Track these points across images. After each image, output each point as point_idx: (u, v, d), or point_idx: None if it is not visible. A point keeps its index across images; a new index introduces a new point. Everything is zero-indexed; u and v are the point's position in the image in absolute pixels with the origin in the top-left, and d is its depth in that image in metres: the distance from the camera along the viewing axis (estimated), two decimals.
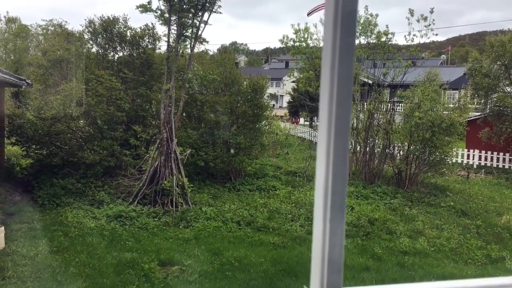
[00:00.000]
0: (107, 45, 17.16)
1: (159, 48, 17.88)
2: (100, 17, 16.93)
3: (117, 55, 17.48)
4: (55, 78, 15.89)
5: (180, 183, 13.49)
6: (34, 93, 16.30)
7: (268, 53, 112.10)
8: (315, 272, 0.56)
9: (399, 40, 69.75)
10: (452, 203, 15.16)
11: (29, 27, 34.49)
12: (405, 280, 9.47)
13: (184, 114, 16.71)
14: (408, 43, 19.00)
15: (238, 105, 17.58)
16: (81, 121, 16.09)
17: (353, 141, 19.17)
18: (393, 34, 18.76)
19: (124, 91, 15.84)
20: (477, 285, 0.64)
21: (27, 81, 15.82)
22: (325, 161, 0.58)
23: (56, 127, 14.82)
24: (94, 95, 15.08)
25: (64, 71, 16.20)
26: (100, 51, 17.36)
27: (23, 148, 15.83)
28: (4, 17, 36.79)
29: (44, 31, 27.55)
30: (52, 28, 25.26)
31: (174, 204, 13.16)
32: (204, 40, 15.22)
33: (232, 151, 16.99)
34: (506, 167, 22.80)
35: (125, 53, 17.25)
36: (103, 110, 15.11)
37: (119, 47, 17.18)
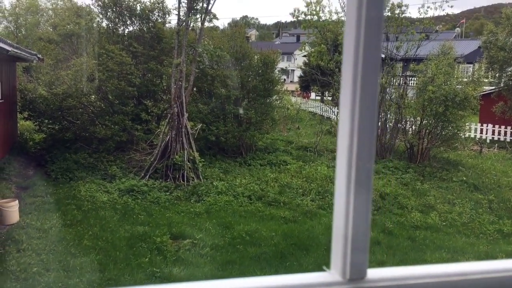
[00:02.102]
0: (117, 19, 17.02)
1: (169, 22, 17.73)
2: None
3: (127, 30, 17.37)
4: (65, 53, 15.87)
5: (191, 157, 13.54)
6: (45, 68, 16.32)
7: (279, 27, 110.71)
8: (337, 252, 0.51)
9: (413, 12, 68.36)
10: (464, 178, 15.05)
11: (39, 2, 34.31)
12: (416, 254, 9.49)
13: (194, 89, 16.65)
14: (421, 16, 18.61)
15: (249, 79, 17.45)
16: (93, 96, 16.12)
17: None
18: (406, 6, 18.36)
19: (134, 66, 15.79)
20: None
21: (38, 56, 15.84)
22: (349, 133, 0.54)
23: (68, 102, 14.87)
24: (104, 70, 15.06)
25: (75, 46, 16.17)
26: (110, 25, 17.24)
27: (35, 123, 15.96)
28: None
29: (54, 5, 27.42)
30: (62, 3, 25.12)
31: (185, 179, 13.23)
32: (215, 16, 15.03)
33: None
34: None
35: (135, 27, 17.13)
36: (114, 85, 15.10)
37: (129, 21, 17.04)
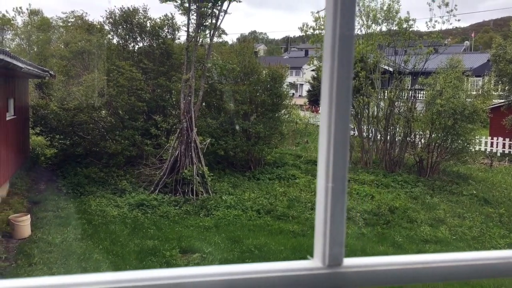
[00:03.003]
0: (127, 36, 17.34)
1: (179, 38, 18.01)
2: (120, 8, 17.10)
3: (137, 46, 17.66)
4: (77, 69, 16.15)
5: (200, 172, 13.63)
6: (57, 84, 16.61)
7: (288, 42, 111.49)
8: (318, 244, 0.60)
9: (421, 26, 68.59)
10: (474, 192, 14.97)
11: (50, 20, 34.97)
12: None
13: (203, 104, 16.81)
14: (429, 30, 18.71)
15: (257, 94, 17.59)
16: (103, 112, 16.35)
17: (373, 130, 19.04)
18: (414, 20, 18.50)
19: (144, 82, 16.02)
20: (472, 257, 0.69)
21: (50, 72, 16.12)
22: (326, 147, 0.62)
23: (79, 118, 15.09)
24: (115, 86, 15.29)
25: (86, 62, 16.45)
26: (120, 42, 17.55)
27: (47, 138, 16.19)
28: (27, 9, 37.42)
29: (65, 23, 27.95)
30: (73, 20, 25.60)
31: (194, 193, 13.31)
32: (224, 32, 15.26)
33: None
34: None
35: (145, 44, 17.42)
36: (124, 101, 15.32)
37: (139, 38, 17.35)
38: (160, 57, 16.73)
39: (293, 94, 47.79)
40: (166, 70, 16.50)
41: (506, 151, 23.06)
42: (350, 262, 0.61)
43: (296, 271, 0.60)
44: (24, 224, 10.17)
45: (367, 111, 19.31)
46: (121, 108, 15.90)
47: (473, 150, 18.55)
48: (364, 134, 19.09)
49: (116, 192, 13.49)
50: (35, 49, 34.16)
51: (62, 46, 19.56)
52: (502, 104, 23.44)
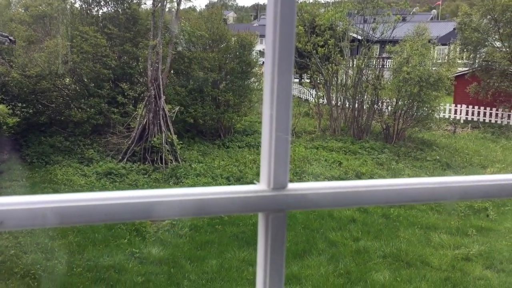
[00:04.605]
0: (90, 0, 16.74)
1: (145, 3, 17.51)
2: None
3: (101, 11, 17.11)
4: (38, 35, 15.56)
5: (169, 140, 13.54)
6: (18, 50, 15.98)
7: (257, 9, 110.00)
8: (264, 170, 0.63)
9: None
10: (438, 157, 15.43)
11: None
12: (390, 230, 9.76)
13: (172, 71, 16.55)
14: None
15: (227, 61, 17.42)
16: (67, 79, 15.90)
17: (342, 97, 19.22)
18: None
19: (110, 48, 15.60)
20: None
21: (10, 37, 15.46)
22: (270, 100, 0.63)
23: (42, 85, 14.63)
24: (79, 52, 14.85)
25: (48, 27, 15.86)
26: (83, 6, 16.95)
27: (9, 107, 15.69)
28: None
29: None
30: None
31: (163, 161, 13.25)
32: None
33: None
34: (493, 121, 23.09)
35: (109, 8, 16.88)
36: (89, 68, 14.93)
37: (103, 2, 16.77)
38: (125, 23, 16.27)
39: (263, 62, 47.40)
40: (133, 36, 16.10)
41: (469, 118, 23.71)
42: (294, 186, 0.63)
43: (244, 193, 0.64)
44: None
45: (336, 79, 19.43)
46: (86, 75, 15.50)
47: (438, 117, 19.01)
48: (333, 102, 19.26)
49: (83, 161, 13.30)
50: None
51: (22, 11, 18.76)
52: (467, 72, 23.95)
